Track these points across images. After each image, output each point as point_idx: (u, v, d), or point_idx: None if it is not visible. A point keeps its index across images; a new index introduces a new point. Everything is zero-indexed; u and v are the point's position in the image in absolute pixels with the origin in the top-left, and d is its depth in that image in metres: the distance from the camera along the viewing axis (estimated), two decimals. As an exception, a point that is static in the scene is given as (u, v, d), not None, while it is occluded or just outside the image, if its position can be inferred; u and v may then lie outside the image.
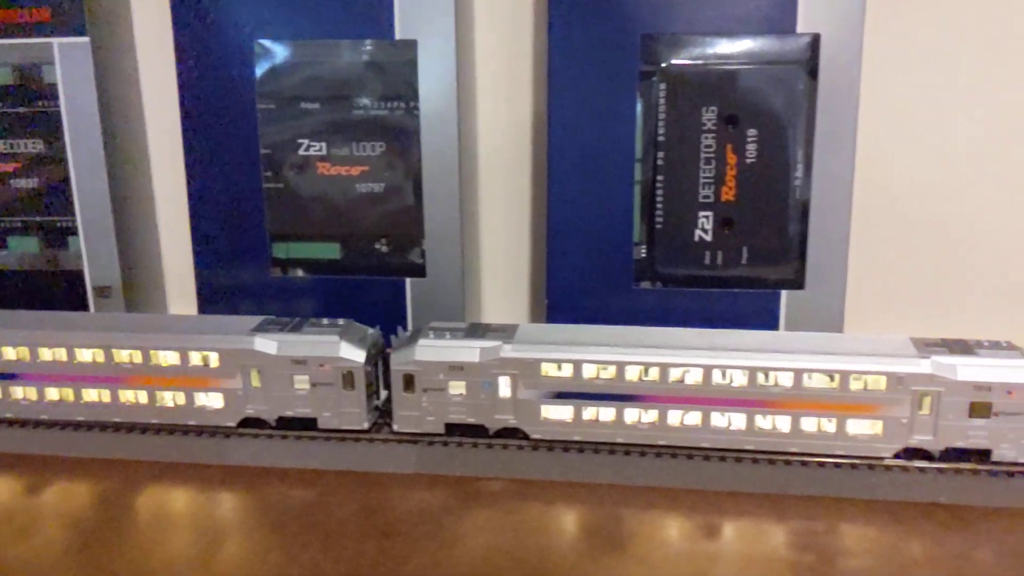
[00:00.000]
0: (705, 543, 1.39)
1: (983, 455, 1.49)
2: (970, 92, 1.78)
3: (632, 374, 1.55)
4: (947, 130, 1.81)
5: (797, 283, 1.72)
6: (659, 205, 1.73)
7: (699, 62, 1.68)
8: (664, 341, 1.57)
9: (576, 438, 1.58)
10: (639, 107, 1.70)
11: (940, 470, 1.50)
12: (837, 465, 1.53)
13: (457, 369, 1.56)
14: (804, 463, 1.53)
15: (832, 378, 1.50)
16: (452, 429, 1.60)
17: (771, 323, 1.74)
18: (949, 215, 1.83)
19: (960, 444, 1.49)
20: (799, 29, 1.63)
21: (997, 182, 1.81)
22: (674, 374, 1.54)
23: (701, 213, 1.73)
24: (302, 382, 1.60)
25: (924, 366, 1.48)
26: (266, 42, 1.77)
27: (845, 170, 1.67)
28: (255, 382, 1.62)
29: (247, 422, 1.64)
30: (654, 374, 1.54)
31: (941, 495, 1.49)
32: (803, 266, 1.72)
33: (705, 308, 1.76)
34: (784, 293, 1.73)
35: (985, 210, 1.82)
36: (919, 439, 1.50)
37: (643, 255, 1.76)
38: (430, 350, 1.57)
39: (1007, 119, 1.78)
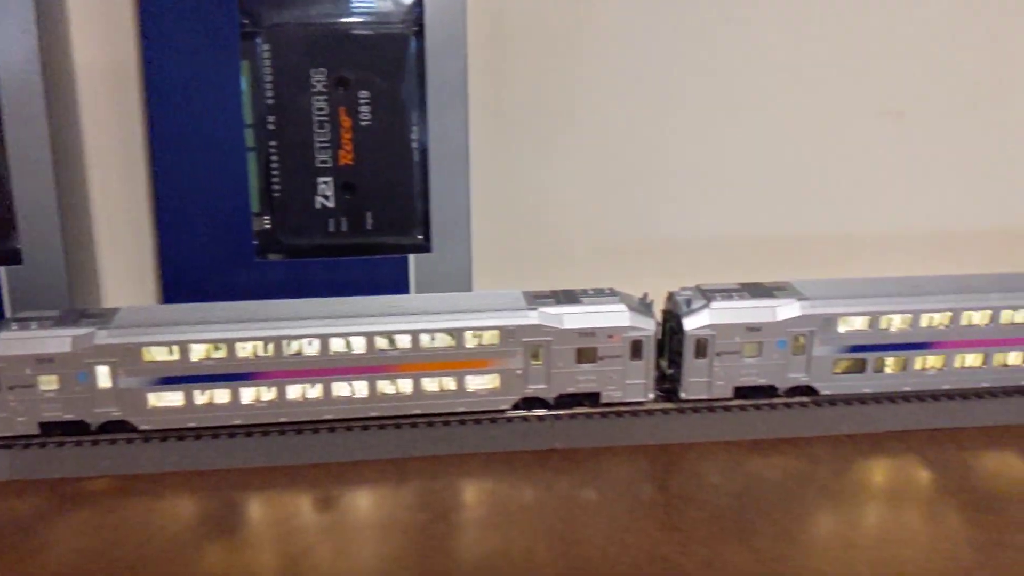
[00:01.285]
0: (321, 516, 1.35)
1: (593, 398, 1.56)
2: (591, 62, 1.84)
3: (246, 351, 1.47)
4: (561, 93, 1.86)
5: (423, 247, 1.72)
6: (276, 172, 1.66)
7: (304, 22, 1.62)
8: (280, 314, 1.51)
9: (190, 424, 1.48)
10: (245, 70, 1.61)
11: (556, 416, 1.56)
12: (462, 422, 1.54)
13: (46, 361, 1.42)
14: (430, 423, 1.54)
15: (449, 336, 1.51)
16: (49, 428, 1.45)
17: (402, 288, 1.72)
18: (565, 175, 1.90)
19: (571, 389, 1.55)
20: (402, -12, 1.61)
21: (607, 140, 1.89)
22: (291, 347, 1.48)
23: (320, 179, 1.68)
24: None
25: (533, 317, 1.52)
26: None
27: (459, 130, 1.68)
28: None
29: None
30: (270, 349, 1.48)
31: (557, 440, 1.54)
32: (428, 229, 1.71)
33: (335, 278, 1.70)
34: (412, 257, 1.72)
35: (596, 169, 1.90)
36: (534, 388, 1.54)
37: (266, 226, 1.69)
38: (12, 343, 1.41)
39: (621, 87, 1.86)
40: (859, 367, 1.60)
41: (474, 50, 1.68)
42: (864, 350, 1.59)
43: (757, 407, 1.59)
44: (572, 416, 1.56)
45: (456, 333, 1.51)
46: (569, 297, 1.56)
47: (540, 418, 1.55)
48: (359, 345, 1.49)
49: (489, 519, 1.34)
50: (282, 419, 1.50)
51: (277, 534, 1.31)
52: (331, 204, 1.69)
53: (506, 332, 1.51)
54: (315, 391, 1.50)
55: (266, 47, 1.61)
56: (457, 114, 1.68)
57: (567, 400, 1.56)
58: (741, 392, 1.59)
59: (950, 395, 1.62)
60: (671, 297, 1.61)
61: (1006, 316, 1.60)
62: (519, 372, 1.53)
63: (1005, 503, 1.38)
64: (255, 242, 1.68)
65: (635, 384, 1.56)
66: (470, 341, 1.51)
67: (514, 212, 1.91)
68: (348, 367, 1.50)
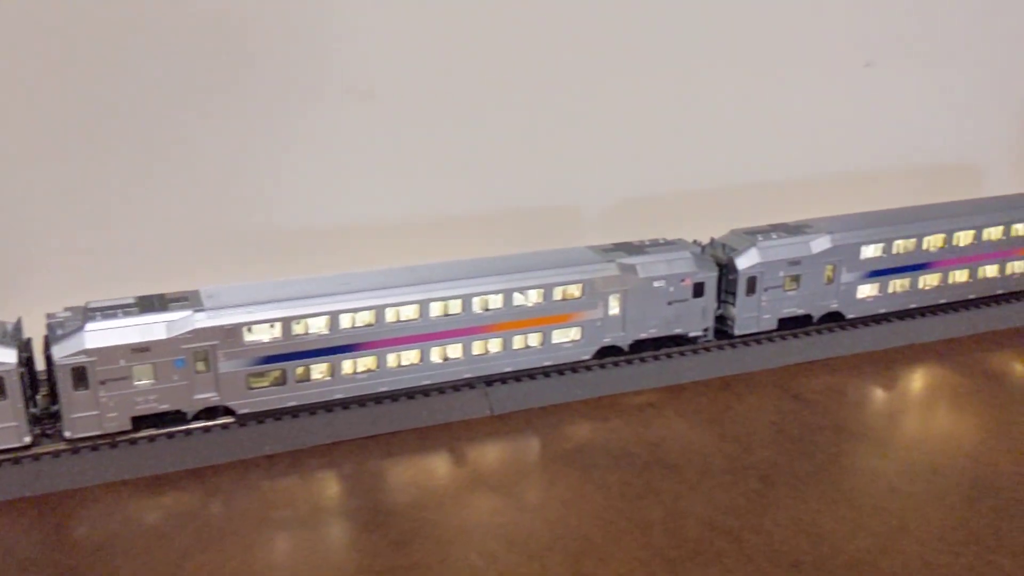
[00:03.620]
0: None
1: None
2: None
3: None
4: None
5: None
6: None
7: None
8: None
9: None
10: None
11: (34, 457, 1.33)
12: None
13: None
14: None
15: None
16: None
17: None
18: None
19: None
20: None
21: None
22: None
23: None
24: None
25: None
26: None
27: None
28: None
29: None
30: None
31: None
32: None
33: None
34: None
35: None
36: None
37: None
38: None
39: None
40: (280, 379, 1.45)
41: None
42: (279, 360, 1.44)
43: (166, 436, 1.40)
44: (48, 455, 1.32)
45: None
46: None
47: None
48: None
49: None
50: None
51: None
52: None
53: None
54: None
55: None
56: None
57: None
58: (145, 422, 1.39)
59: (394, 397, 1.51)
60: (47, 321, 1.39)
61: (437, 308, 1.50)
62: None
63: (390, 517, 1.26)
64: None
65: (3, 428, 1.32)
66: None
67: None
68: None
